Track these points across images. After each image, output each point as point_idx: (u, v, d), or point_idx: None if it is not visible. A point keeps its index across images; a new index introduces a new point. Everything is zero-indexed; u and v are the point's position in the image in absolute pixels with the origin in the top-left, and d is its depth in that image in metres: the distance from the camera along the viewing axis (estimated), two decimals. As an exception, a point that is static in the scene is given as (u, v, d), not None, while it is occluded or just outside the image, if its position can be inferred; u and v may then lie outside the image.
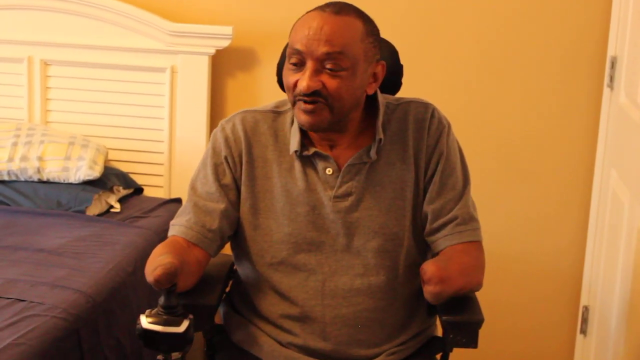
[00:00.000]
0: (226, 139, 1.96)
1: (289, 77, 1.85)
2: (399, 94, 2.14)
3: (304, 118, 1.84)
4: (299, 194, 1.92)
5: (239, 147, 1.95)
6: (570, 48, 2.97)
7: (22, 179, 2.97)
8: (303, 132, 1.92)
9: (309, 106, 1.82)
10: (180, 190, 3.07)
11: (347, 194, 1.92)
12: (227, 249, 2.03)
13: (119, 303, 2.41)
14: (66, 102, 3.19)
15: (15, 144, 2.98)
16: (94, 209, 2.90)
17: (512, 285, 3.13)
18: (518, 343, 3.18)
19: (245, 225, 1.95)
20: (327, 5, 1.86)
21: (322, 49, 1.79)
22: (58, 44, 3.14)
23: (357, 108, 1.91)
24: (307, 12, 1.87)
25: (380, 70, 1.91)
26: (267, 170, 1.95)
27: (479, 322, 1.87)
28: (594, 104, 2.96)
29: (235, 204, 1.95)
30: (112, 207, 2.98)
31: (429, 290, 1.83)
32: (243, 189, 1.95)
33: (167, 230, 1.96)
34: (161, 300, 1.57)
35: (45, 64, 3.17)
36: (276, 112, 1.99)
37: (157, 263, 1.67)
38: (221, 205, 1.93)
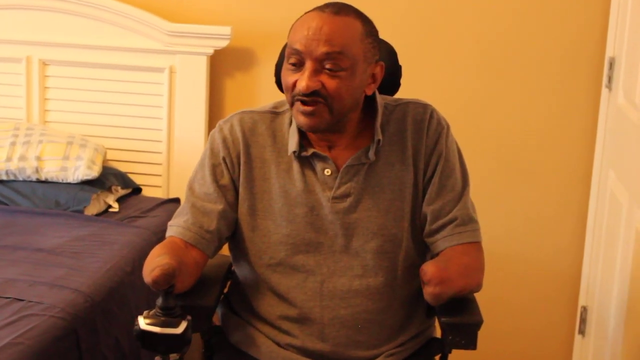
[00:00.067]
0: (224, 140, 1.96)
1: (288, 77, 1.85)
2: (397, 95, 2.14)
3: (302, 119, 1.84)
4: (297, 194, 1.92)
5: (237, 148, 1.95)
6: (569, 49, 2.97)
7: (21, 179, 2.97)
8: (301, 133, 1.92)
9: (308, 108, 1.82)
10: (179, 190, 3.07)
11: (346, 195, 1.92)
12: (225, 250, 2.03)
13: (118, 302, 2.41)
14: (64, 102, 3.19)
15: (13, 144, 2.98)
16: (92, 209, 2.90)
17: (511, 286, 3.13)
18: (516, 343, 3.18)
19: (244, 226, 1.95)
20: (326, 5, 1.86)
21: (322, 49, 1.79)
22: (57, 43, 3.14)
23: (356, 109, 1.91)
24: (306, 13, 1.87)
25: (379, 70, 1.91)
26: (265, 171, 1.94)
27: (478, 324, 1.86)
28: (592, 105, 2.96)
29: (233, 205, 1.95)
30: (110, 206, 2.98)
31: (429, 292, 1.83)
32: (241, 190, 1.95)
33: (165, 230, 1.96)
34: (159, 301, 1.57)
35: (44, 63, 3.17)
36: (274, 113, 1.99)
37: (154, 264, 1.66)
38: (219, 206, 1.93)
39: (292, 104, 1.86)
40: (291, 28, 1.87)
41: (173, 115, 3.13)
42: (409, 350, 1.98)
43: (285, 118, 1.97)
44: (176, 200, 3.06)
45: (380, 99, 1.97)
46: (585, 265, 3.01)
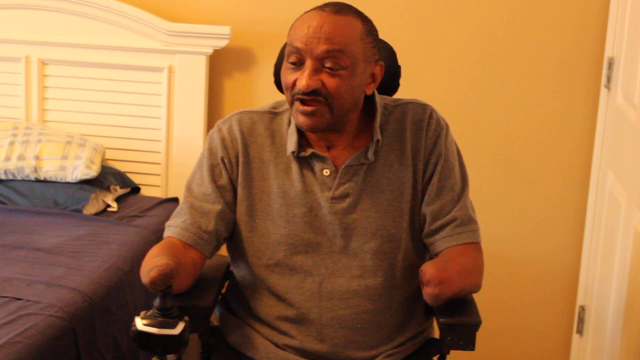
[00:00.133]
0: (223, 140, 1.96)
1: (288, 77, 1.84)
2: (396, 95, 2.14)
3: (302, 119, 1.83)
4: (296, 195, 1.91)
5: (236, 148, 1.95)
6: (568, 49, 2.97)
7: (19, 178, 2.96)
8: (300, 133, 1.92)
9: (308, 108, 1.81)
10: (177, 190, 3.07)
11: (345, 196, 1.91)
12: (223, 250, 2.03)
13: (116, 302, 2.41)
14: (63, 101, 3.19)
15: (12, 143, 2.98)
16: (90, 208, 2.90)
17: (509, 285, 3.14)
18: (515, 342, 3.18)
19: (242, 226, 1.95)
20: (326, 5, 1.86)
21: (322, 47, 1.79)
22: (56, 43, 3.13)
23: (355, 108, 1.90)
24: (306, 12, 1.86)
25: (378, 70, 1.91)
26: (263, 171, 1.94)
27: (476, 325, 1.86)
28: (591, 105, 2.96)
29: (232, 205, 1.94)
30: (109, 206, 2.98)
31: (428, 292, 1.83)
32: (239, 190, 1.94)
33: (163, 229, 1.95)
34: (156, 301, 1.56)
35: (43, 63, 3.17)
36: (273, 113, 1.99)
37: (152, 264, 1.66)
38: (217, 207, 1.92)
39: (291, 104, 1.85)
40: (291, 27, 1.86)
41: (172, 115, 3.12)
42: (407, 350, 1.97)
43: (284, 118, 1.97)
44: (175, 200, 3.06)
45: (380, 99, 1.97)
46: (583, 265, 3.01)
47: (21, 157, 2.94)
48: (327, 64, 1.80)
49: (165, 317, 1.55)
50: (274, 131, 1.96)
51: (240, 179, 1.94)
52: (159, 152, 3.16)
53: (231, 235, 1.97)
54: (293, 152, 1.91)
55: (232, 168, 1.95)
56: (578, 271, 3.05)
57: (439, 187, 1.94)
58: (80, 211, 2.86)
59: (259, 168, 1.94)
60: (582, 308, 2.99)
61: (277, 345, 1.93)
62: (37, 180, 2.96)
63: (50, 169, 2.94)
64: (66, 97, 3.19)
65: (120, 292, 2.45)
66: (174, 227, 1.92)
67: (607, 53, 2.85)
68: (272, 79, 2.09)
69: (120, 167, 3.15)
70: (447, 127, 1.98)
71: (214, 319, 2.04)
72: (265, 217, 1.93)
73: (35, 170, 2.94)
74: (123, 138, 3.17)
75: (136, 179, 3.15)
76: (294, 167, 1.93)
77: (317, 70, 1.80)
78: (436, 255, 1.94)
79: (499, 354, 3.15)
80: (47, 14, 3.13)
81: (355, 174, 1.92)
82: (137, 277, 2.06)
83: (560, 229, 3.08)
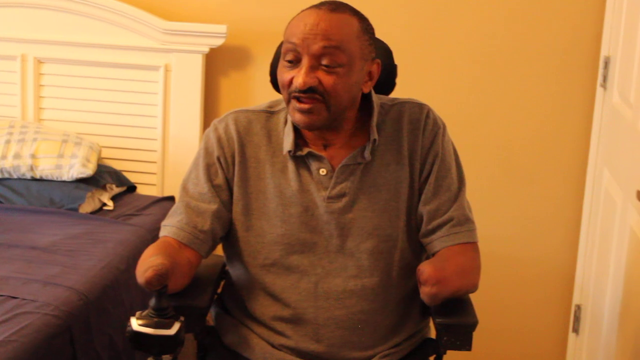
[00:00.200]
0: (219, 139, 1.95)
1: (284, 75, 1.84)
2: (393, 95, 2.14)
3: (299, 117, 1.83)
4: (292, 194, 1.91)
5: (232, 147, 1.94)
6: (564, 48, 2.97)
7: (15, 177, 2.96)
8: (297, 132, 1.92)
9: (305, 106, 1.81)
10: (173, 189, 3.07)
11: (341, 195, 1.91)
12: (219, 250, 2.02)
13: (112, 300, 2.40)
14: (59, 99, 3.19)
15: (8, 142, 2.97)
16: (86, 207, 2.89)
17: (505, 284, 3.14)
18: (511, 341, 3.18)
19: (238, 226, 1.94)
20: (323, 3, 1.86)
21: (319, 44, 1.79)
22: (51, 41, 3.13)
23: (352, 106, 1.90)
24: (303, 11, 1.86)
25: (375, 68, 1.91)
26: (260, 170, 1.94)
27: (473, 325, 1.86)
28: (587, 104, 2.96)
29: (228, 204, 1.94)
30: (105, 204, 2.98)
31: (425, 292, 1.83)
32: (235, 189, 1.94)
33: (159, 228, 1.95)
34: (152, 302, 1.56)
35: (39, 61, 3.16)
36: (269, 112, 1.99)
37: (148, 264, 1.66)
38: (213, 206, 1.92)
39: (288, 102, 1.85)
40: (287, 25, 1.86)
41: (168, 114, 3.12)
42: (403, 350, 1.97)
43: (281, 117, 1.97)
44: (171, 199, 3.06)
45: (376, 98, 1.97)
46: (579, 264, 3.01)
47: (17, 156, 2.93)
48: (324, 62, 1.80)
49: (161, 318, 1.55)
50: (270, 130, 1.96)
51: (236, 179, 1.94)
52: (155, 151, 3.15)
53: (227, 234, 1.97)
54: (289, 152, 1.91)
55: (228, 167, 1.94)
56: (574, 270, 3.05)
57: (436, 186, 1.94)
58: (76, 210, 2.86)
59: (255, 167, 1.94)
60: (578, 307, 2.99)
61: (273, 346, 1.93)
62: (33, 179, 2.95)
63: (46, 168, 2.93)
64: (62, 96, 3.18)
65: (116, 290, 2.44)
66: (170, 227, 1.91)
67: (603, 52, 2.86)
68: (268, 77, 2.09)
69: (116, 165, 3.15)
70: (444, 126, 1.98)
71: (210, 319, 2.04)
72: (261, 216, 1.93)
73: (31, 168, 2.93)
74: (119, 137, 3.16)
75: (132, 178, 3.15)
76: (291, 166, 1.92)
77: (313, 67, 1.80)
78: (433, 255, 1.94)
79: (496, 353, 3.15)
80: (43, 13, 3.12)
81: (352, 174, 1.92)
82: (133, 275, 2.04)
83: (556, 228, 3.08)
